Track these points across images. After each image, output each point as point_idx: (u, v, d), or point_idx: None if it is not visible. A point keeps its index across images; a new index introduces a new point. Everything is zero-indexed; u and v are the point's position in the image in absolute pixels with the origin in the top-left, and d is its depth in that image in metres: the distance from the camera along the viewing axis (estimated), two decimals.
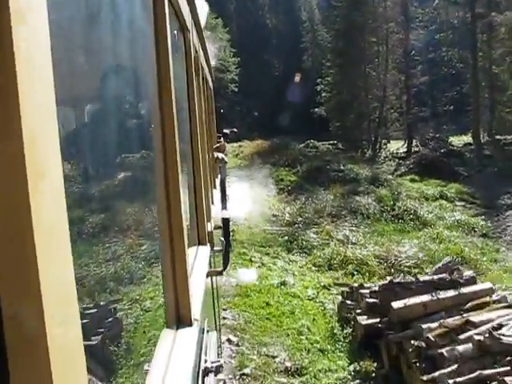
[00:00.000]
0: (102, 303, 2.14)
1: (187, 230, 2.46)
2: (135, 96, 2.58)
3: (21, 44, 0.59)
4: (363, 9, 41.52)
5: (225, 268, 5.34)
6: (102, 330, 2.06)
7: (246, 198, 21.60)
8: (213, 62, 10.15)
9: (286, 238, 16.43)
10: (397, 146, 42.91)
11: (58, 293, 0.67)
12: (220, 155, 9.43)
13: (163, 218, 2.01)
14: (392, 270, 13.11)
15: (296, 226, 17.44)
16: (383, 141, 43.13)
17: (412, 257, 13.92)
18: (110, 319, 2.24)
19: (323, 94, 47.72)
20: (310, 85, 54.53)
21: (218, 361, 2.84)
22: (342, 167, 28.64)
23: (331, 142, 45.47)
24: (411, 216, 19.67)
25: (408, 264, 13.47)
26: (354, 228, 17.20)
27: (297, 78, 59.24)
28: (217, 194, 8.17)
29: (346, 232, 16.44)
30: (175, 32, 2.68)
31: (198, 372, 2.21)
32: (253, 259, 13.35)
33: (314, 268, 13.52)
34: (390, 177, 28.22)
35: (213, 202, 6.13)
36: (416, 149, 39.39)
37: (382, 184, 26.21)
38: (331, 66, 46.90)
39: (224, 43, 54.35)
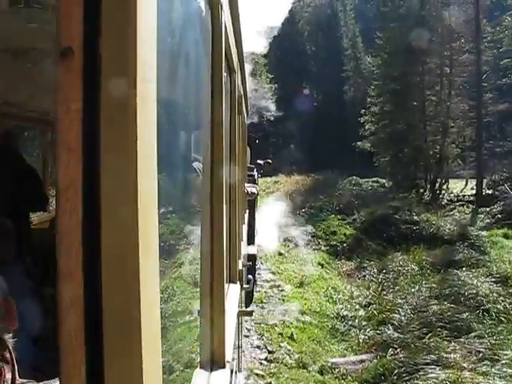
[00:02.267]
0: None
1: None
2: (192, 135, 2.37)
3: (141, 126, 0.62)
4: (424, 24, 32.89)
5: (248, 305, 5.30)
6: None
7: (289, 270, 12.86)
8: None
9: None
10: (457, 186, 33.82)
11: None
12: (250, 189, 7.76)
13: (206, 255, 1.90)
14: None
15: (391, 352, 8.43)
16: (439, 180, 33.88)
17: None
18: None
19: (367, 127, 38.96)
20: (351, 116, 46.59)
21: None
22: (414, 217, 19.63)
23: (375, 179, 36.85)
24: None
25: None
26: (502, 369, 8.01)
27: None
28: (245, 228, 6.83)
29: None
30: (224, 73, 2.57)
31: None
32: None
33: None
34: (484, 233, 19.01)
35: (242, 238, 5.44)
36: (489, 191, 30.22)
37: (474, 244, 17.16)
38: (379, 95, 38.13)
39: (261, 67, 46.34)
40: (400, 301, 10.88)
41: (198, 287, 1.94)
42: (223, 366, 1.85)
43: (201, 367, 1.78)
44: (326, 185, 27.48)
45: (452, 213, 25.56)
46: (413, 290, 11.96)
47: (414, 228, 18.57)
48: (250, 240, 7.79)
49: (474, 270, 13.47)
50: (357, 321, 9.91)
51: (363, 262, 15.39)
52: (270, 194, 26.93)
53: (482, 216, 23.95)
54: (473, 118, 32.55)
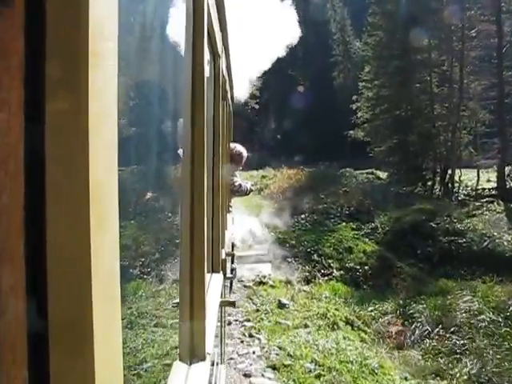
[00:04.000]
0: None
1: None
2: (169, 120, 2.24)
3: (95, 89, 0.51)
4: None
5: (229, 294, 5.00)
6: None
7: (302, 351, 6.82)
8: None
9: None
10: (467, 178, 27.99)
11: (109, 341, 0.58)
12: (239, 181, 6.54)
13: (185, 244, 1.63)
14: None
15: None
16: (449, 171, 28.01)
17: None
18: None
19: (360, 114, 33.12)
20: (341, 104, 40.78)
21: None
22: (457, 225, 13.69)
23: (369, 170, 31.39)
24: None
25: None
26: None
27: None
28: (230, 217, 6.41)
29: None
30: (208, 57, 2.42)
31: None
32: None
33: None
34: None
35: (226, 227, 4.83)
36: None
37: None
38: (375, 78, 32.32)
39: None
40: None
41: (178, 278, 1.70)
42: (203, 359, 1.65)
43: (180, 360, 1.59)
44: (324, 180, 21.47)
45: (480, 211, 19.66)
46: None
47: (460, 241, 12.66)
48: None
49: None
50: None
51: (406, 303, 9.42)
52: (258, 193, 20.89)
53: None
54: (488, 98, 26.72)
